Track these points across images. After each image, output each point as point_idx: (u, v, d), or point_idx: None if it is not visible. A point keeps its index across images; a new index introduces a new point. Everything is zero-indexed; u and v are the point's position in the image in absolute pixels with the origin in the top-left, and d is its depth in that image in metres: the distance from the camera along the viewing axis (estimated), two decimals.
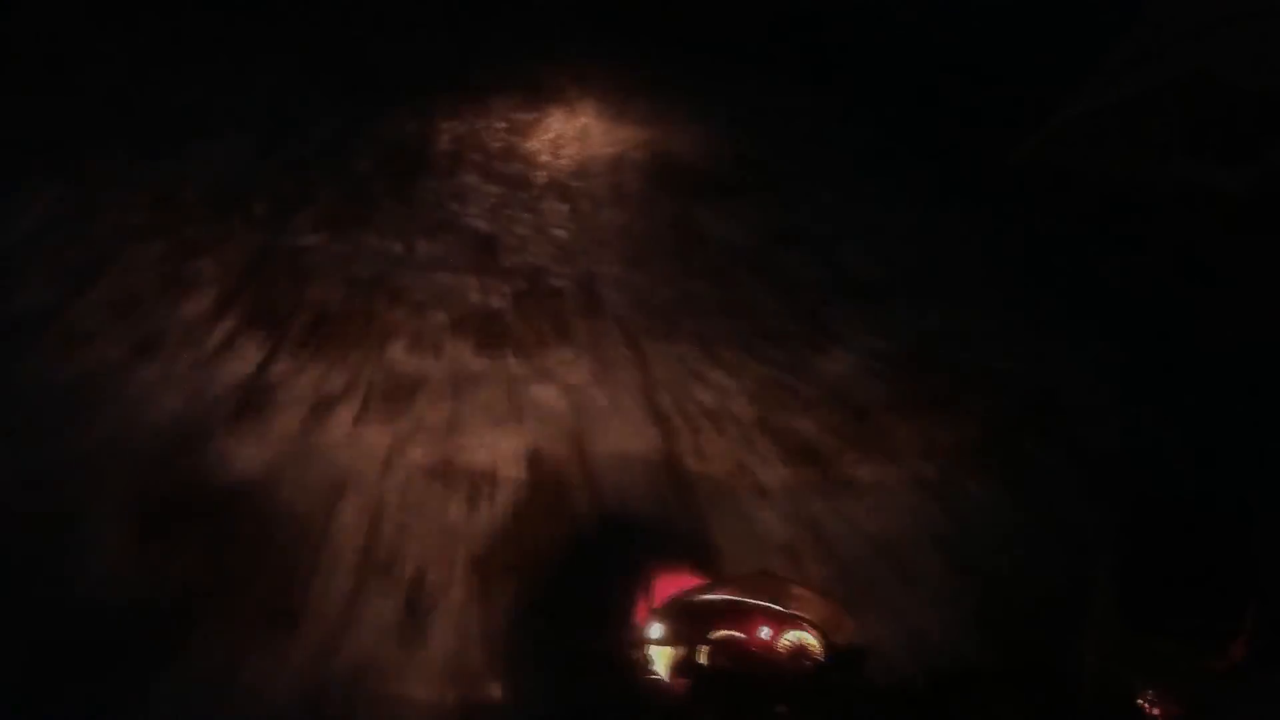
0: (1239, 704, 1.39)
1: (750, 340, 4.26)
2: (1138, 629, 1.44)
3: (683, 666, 1.28)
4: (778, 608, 1.27)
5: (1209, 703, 1.39)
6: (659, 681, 1.31)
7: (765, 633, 1.25)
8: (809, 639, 1.26)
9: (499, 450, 3.20)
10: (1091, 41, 4.72)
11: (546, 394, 3.54)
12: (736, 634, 1.27)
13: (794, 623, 1.27)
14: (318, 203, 4.70)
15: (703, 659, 1.26)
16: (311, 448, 3.07)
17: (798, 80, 7.86)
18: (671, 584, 1.49)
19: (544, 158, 5.98)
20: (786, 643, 1.26)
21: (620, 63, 7.83)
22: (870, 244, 5.34)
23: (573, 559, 2.77)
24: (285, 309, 3.72)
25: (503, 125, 6.32)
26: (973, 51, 7.13)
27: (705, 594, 1.34)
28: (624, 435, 3.38)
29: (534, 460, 3.18)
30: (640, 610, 1.51)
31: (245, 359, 3.41)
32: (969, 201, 5.72)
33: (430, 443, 3.18)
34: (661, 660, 1.31)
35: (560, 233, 5.07)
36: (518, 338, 3.87)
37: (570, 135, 6.41)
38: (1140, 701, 1.33)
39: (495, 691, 2.32)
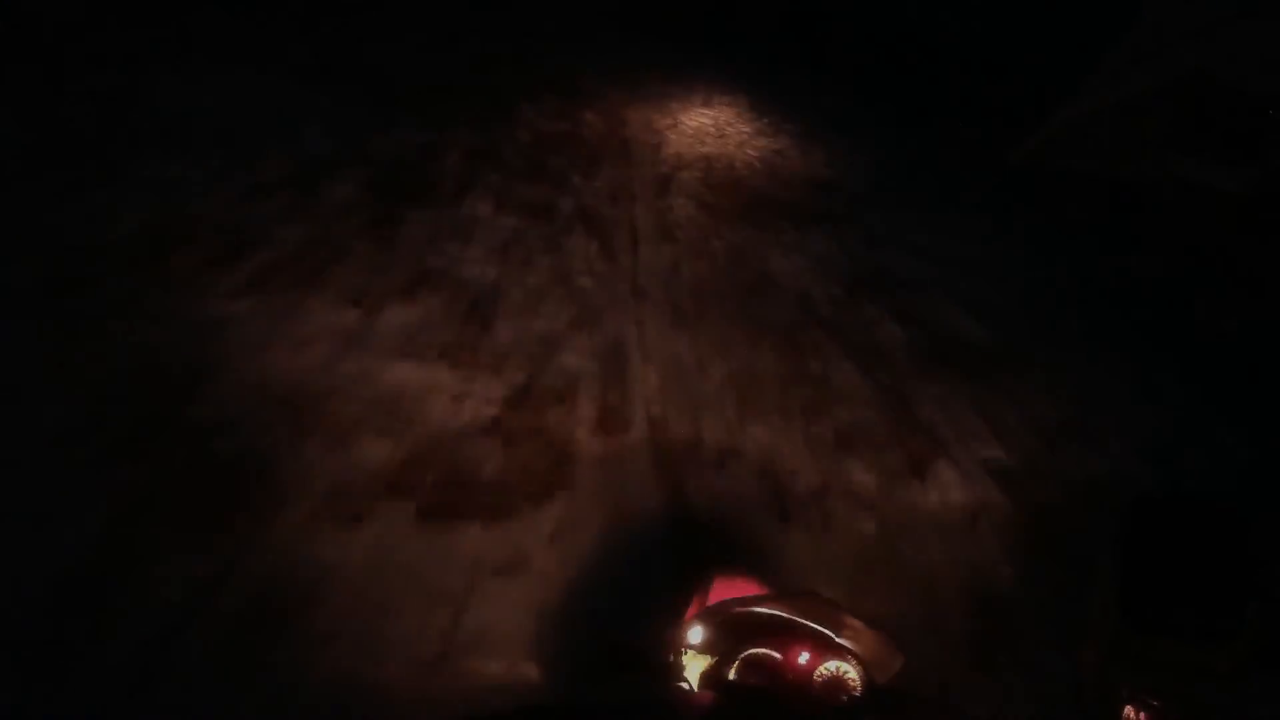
0: (1239, 704, 1.27)
1: (832, 459, 2.84)
2: (1138, 629, 1.36)
3: (711, 677, 1.10)
4: (825, 632, 1.09)
5: (1208, 703, 1.26)
6: (685, 689, 1.09)
7: (804, 657, 1.08)
8: (849, 672, 1.08)
9: None
10: (1091, 41, 4.35)
11: (515, 606, 1.99)
12: (772, 653, 1.10)
13: (837, 652, 1.08)
14: (268, 248, 3.25)
15: (732, 673, 1.10)
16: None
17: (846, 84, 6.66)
18: (722, 590, 1.21)
19: (575, 178, 4.46)
20: (824, 672, 1.08)
21: (672, 67, 6.22)
22: (957, 289, 4.09)
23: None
24: (154, 438, 2.26)
25: (528, 138, 4.78)
26: (973, 51, 6.33)
27: (752, 605, 1.13)
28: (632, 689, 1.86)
29: None
30: (684, 613, 1.20)
31: (75, 531, 1.97)
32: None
33: None
34: (694, 667, 1.10)
35: (586, 281, 3.58)
36: (493, 486, 2.34)
37: (610, 150, 4.87)
38: (1129, 708, 1.17)
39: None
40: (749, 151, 5.23)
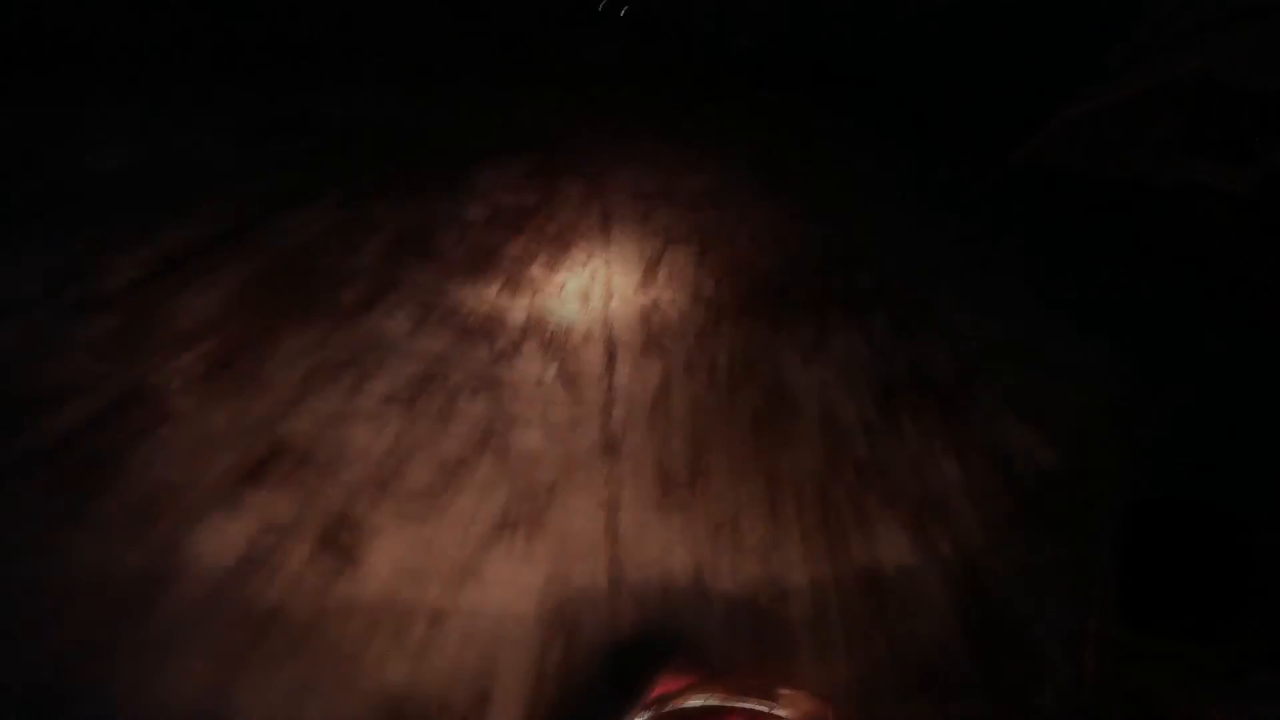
0: (1239, 704, 1.20)
1: None
2: (1138, 628, 1.33)
3: None
4: (759, 707, 1.06)
5: (1208, 703, 1.18)
6: None
7: None
8: None
9: None
10: (1091, 41, 4.03)
11: None
12: None
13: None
14: (58, 410, 2.05)
15: None
16: None
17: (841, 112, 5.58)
18: (663, 683, 1.26)
19: (535, 270, 3.23)
20: None
21: (665, 125, 5.02)
22: (1006, 387, 2.95)
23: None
24: None
25: (483, 212, 3.56)
26: (972, 51, 5.74)
27: (689, 695, 1.11)
28: None
29: None
30: (629, 708, 1.18)
31: None
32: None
33: None
34: None
35: (534, 437, 2.36)
36: None
37: (585, 227, 3.63)
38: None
39: None
40: (752, 219, 4.02)
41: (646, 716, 1.12)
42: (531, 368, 2.64)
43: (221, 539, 1.79)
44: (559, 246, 3.43)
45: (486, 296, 2.94)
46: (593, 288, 3.21)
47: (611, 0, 6.56)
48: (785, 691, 1.13)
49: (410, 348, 2.55)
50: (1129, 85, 3.78)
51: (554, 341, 2.81)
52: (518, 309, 2.93)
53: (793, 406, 2.82)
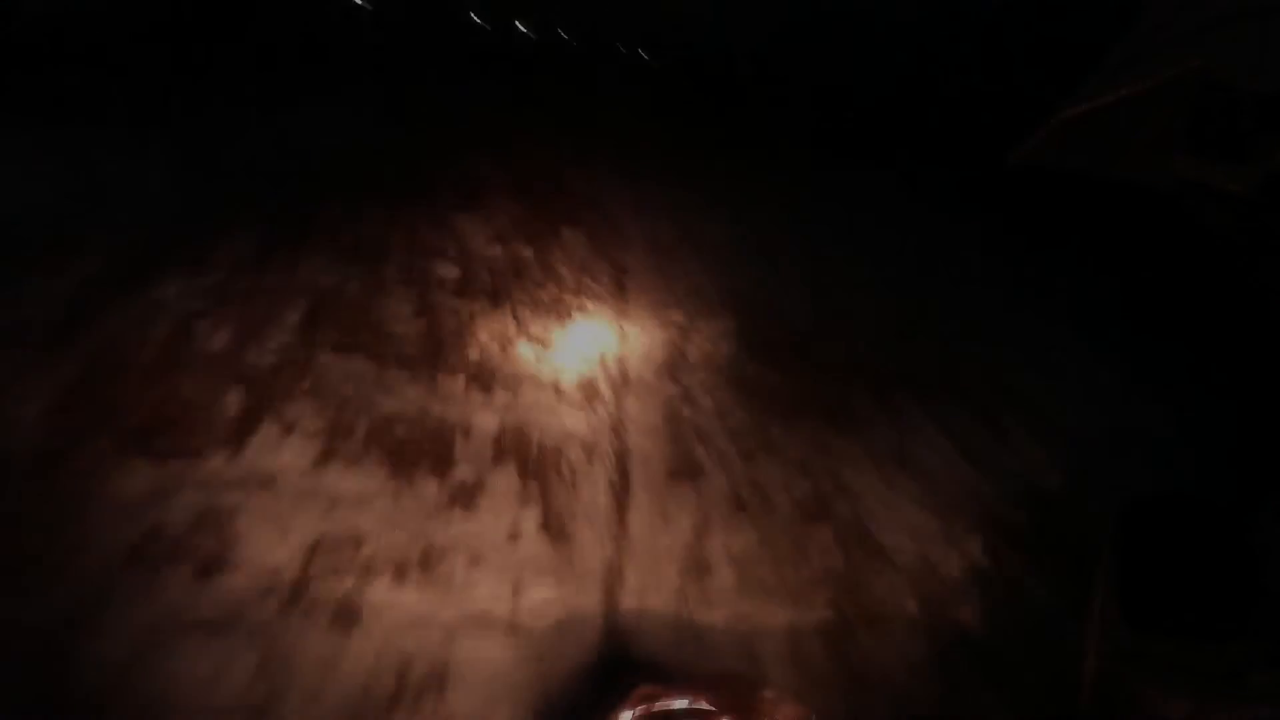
0: (1239, 704, 1.16)
1: None
2: (1138, 628, 1.25)
3: None
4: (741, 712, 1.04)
5: (1209, 702, 1.14)
6: None
7: None
8: None
9: None
10: (1092, 41, 3.32)
11: None
12: None
13: None
14: None
15: None
16: None
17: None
18: (644, 692, 1.13)
19: (518, 356, 2.25)
20: None
21: (686, 158, 4.16)
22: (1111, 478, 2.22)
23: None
24: None
25: (450, 270, 2.61)
26: (972, 51, 5.50)
27: (670, 701, 1.09)
28: None
29: None
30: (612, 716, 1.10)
31: None
32: None
33: None
34: None
35: (482, 672, 1.42)
36: None
37: (592, 291, 2.68)
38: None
39: None
40: (789, 273, 3.13)
41: (631, 716, 1.05)
42: (500, 518, 1.68)
43: None
44: (551, 318, 2.49)
45: (443, 398, 1.98)
46: (599, 377, 2.25)
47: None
48: (766, 694, 1.06)
49: (305, 497, 1.58)
50: (1129, 85, 3.14)
51: (539, 467, 1.86)
52: (488, 417, 1.97)
53: (877, 552, 1.91)
